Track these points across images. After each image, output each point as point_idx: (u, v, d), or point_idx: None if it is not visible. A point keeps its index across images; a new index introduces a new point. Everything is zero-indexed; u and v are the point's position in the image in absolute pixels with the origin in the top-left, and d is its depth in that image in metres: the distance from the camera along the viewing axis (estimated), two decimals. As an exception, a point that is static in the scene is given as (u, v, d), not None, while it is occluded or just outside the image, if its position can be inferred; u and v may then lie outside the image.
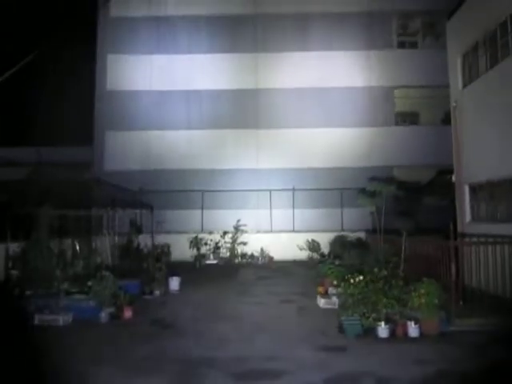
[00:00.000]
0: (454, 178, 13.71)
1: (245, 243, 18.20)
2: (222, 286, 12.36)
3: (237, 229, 18.34)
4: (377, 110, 20.43)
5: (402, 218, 9.07)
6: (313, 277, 11.58)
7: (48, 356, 6.46)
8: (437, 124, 20.23)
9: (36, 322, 8.19)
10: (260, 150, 20.60)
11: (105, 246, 12.89)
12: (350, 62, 20.72)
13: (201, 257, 17.73)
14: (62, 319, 8.20)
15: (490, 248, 8.28)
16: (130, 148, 20.60)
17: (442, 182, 15.24)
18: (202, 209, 19.41)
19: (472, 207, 12.67)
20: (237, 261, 17.77)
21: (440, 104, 19.66)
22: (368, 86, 20.56)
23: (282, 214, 19.54)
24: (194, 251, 17.78)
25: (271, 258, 17.81)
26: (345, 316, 7.52)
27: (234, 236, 18.22)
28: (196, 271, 15.44)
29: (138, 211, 14.94)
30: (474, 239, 9.07)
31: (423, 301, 7.29)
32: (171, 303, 10.16)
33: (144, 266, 11.82)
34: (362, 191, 10.16)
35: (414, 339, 7.05)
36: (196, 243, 17.82)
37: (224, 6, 21.00)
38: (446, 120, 18.15)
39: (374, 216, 9.84)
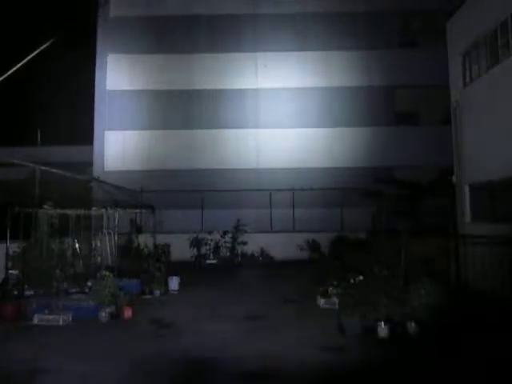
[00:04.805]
0: (454, 179, 13.71)
1: (245, 243, 18.19)
2: (222, 286, 12.35)
3: (237, 229, 18.33)
4: (377, 110, 20.43)
5: (403, 218, 9.06)
6: (313, 277, 11.57)
7: (46, 355, 6.46)
8: (437, 124, 20.20)
9: (35, 321, 8.19)
10: (260, 150, 20.60)
11: (105, 245, 12.88)
12: (350, 61, 20.73)
13: (201, 257, 17.73)
14: (62, 319, 8.20)
15: (489, 248, 8.27)
16: (131, 148, 20.62)
17: (442, 183, 15.22)
18: (202, 209, 19.41)
19: (472, 207, 12.66)
20: (237, 261, 17.77)
21: (440, 104, 19.66)
22: (368, 85, 20.56)
23: (281, 214, 19.53)
24: (194, 251, 17.78)
25: (271, 258, 17.80)
26: (345, 316, 7.51)
27: (233, 236, 18.22)
28: (196, 271, 15.43)
29: (138, 211, 14.93)
30: (474, 239, 9.06)
31: (423, 301, 7.28)
32: (171, 303, 10.16)
33: (144, 265, 11.81)
34: (363, 192, 10.16)
35: (413, 339, 7.03)
36: (196, 243, 17.82)
37: (224, 6, 21.02)
38: (446, 120, 18.13)
39: (375, 216, 9.83)
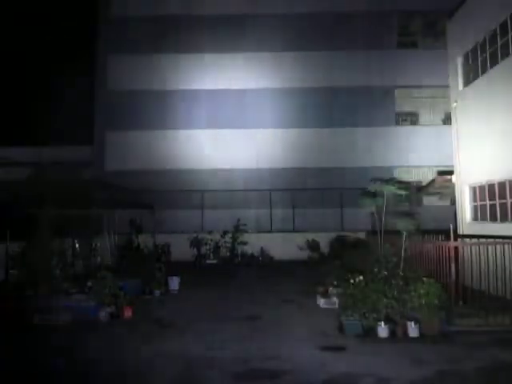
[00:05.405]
0: (454, 179, 13.71)
1: (245, 243, 18.18)
2: (222, 286, 12.35)
3: (237, 229, 18.33)
4: (377, 110, 20.44)
5: (403, 218, 9.04)
6: (313, 277, 11.57)
7: (45, 355, 6.46)
8: (437, 124, 20.23)
9: (36, 321, 8.19)
10: (260, 150, 20.61)
11: (105, 245, 12.88)
12: (350, 62, 20.72)
13: (201, 257, 17.73)
14: (62, 319, 8.20)
15: (489, 248, 8.27)
16: (131, 148, 20.62)
17: (442, 183, 15.24)
18: (202, 209, 19.42)
19: (472, 207, 12.66)
20: (237, 261, 17.77)
21: (440, 104, 19.70)
22: (368, 85, 20.56)
23: (281, 214, 19.54)
24: (194, 251, 17.79)
25: (271, 258, 17.81)
26: (345, 316, 7.52)
27: (233, 236, 18.22)
28: (196, 271, 15.44)
29: (138, 211, 14.92)
30: (474, 239, 9.07)
31: (423, 301, 7.28)
32: (171, 303, 10.16)
33: (144, 265, 11.81)
34: (363, 192, 10.14)
35: (413, 339, 7.04)
36: (196, 243, 17.82)
37: (224, 6, 21.01)
38: (446, 120, 18.16)
39: (374, 216, 9.82)
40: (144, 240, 14.34)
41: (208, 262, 17.55)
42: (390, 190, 9.66)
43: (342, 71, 20.67)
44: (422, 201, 19.96)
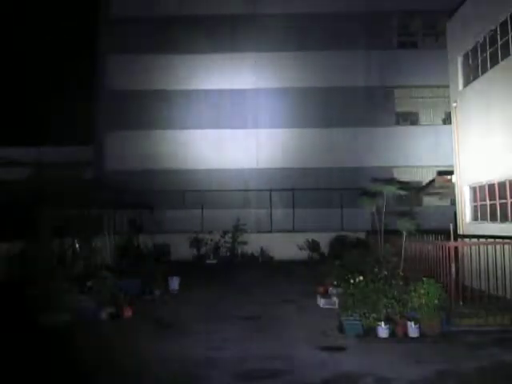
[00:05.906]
0: (454, 179, 13.70)
1: (245, 243, 18.19)
2: (222, 286, 12.35)
3: (237, 229, 18.33)
4: (377, 110, 20.44)
5: (403, 218, 9.05)
6: (313, 277, 11.58)
7: (47, 356, 6.46)
8: (437, 124, 20.24)
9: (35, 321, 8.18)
10: (260, 149, 20.61)
11: (105, 245, 12.89)
12: (349, 62, 20.73)
13: (201, 257, 17.74)
14: (62, 319, 8.19)
15: (489, 248, 8.27)
16: (131, 148, 20.61)
17: (442, 183, 15.24)
18: (202, 209, 19.42)
19: (472, 207, 12.66)
20: (237, 261, 17.77)
21: (440, 104, 19.71)
22: (368, 85, 20.56)
23: (281, 214, 19.54)
24: (194, 251, 17.79)
25: (271, 258, 17.81)
26: (345, 316, 7.52)
27: (233, 236, 18.22)
28: (196, 271, 15.43)
29: (138, 211, 14.94)
30: (474, 239, 9.07)
31: (423, 301, 7.28)
32: (171, 303, 10.17)
33: (144, 265, 11.82)
34: (363, 192, 10.15)
35: (413, 339, 7.04)
36: (196, 243, 17.83)
37: (224, 6, 21.01)
38: (446, 120, 18.18)
39: (374, 216, 9.83)
40: (144, 240, 14.36)
41: (208, 261, 17.55)
42: (389, 190, 9.68)
43: (341, 71, 20.67)
44: (422, 201, 19.97)
